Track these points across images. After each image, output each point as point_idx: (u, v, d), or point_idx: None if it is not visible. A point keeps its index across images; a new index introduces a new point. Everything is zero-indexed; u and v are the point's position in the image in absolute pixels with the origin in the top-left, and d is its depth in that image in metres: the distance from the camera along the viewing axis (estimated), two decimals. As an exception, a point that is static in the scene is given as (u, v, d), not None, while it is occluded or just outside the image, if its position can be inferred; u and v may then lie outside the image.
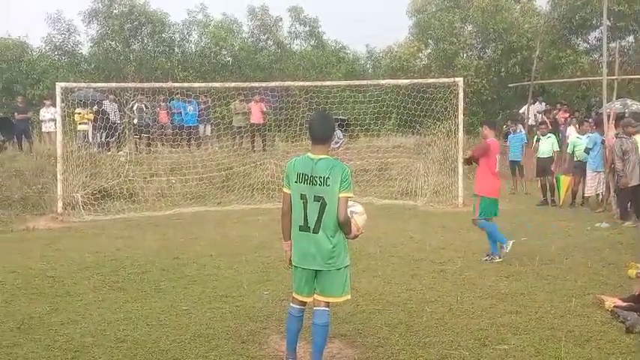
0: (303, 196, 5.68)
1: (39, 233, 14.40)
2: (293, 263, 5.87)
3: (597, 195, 16.52)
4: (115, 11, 34.52)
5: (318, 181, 5.63)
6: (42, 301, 8.46)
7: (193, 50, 36.64)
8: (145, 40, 35.82)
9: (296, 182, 5.73)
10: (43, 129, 23.34)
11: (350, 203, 5.86)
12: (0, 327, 7.33)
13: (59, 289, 9.08)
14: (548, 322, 7.21)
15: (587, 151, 16.36)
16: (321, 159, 5.70)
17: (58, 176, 16.59)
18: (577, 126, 20.30)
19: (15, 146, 22.74)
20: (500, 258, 10.38)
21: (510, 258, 10.48)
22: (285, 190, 5.88)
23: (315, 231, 5.67)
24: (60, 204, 16.40)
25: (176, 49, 36.42)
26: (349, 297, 5.97)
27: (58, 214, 16.19)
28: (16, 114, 23.82)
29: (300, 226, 5.74)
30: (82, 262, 10.85)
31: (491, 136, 10.64)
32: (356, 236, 5.93)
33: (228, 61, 36.47)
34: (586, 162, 16.57)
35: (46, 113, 23.02)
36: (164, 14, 35.60)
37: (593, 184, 16.37)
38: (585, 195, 16.80)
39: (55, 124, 18.14)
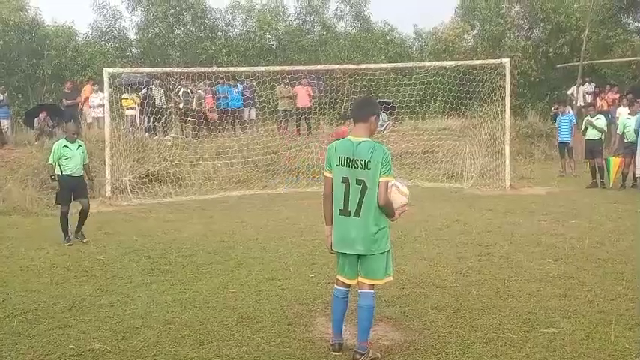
0: (344, 180, 5.65)
1: (88, 217, 14.64)
2: (333, 247, 5.87)
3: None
4: None
5: (360, 165, 5.59)
6: (92, 283, 8.63)
7: (237, 34, 36.75)
8: (188, 26, 36.09)
9: (338, 166, 5.69)
10: (92, 114, 23.66)
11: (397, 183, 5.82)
12: (52, 308, 7.49)
13: (109, 272, 9.24)
14: (598, 306, 7.09)
15: (636, 132, 16.01)
16: (361, 142, 5.66)
17: (107, 161, 16.84)
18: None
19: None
20: None
21: (559, 241, 10.35)
22: (327, 173, 5.84)
23: (356, 215, 5.64)
24: (109, 188, 16.66)
25: (220, 34, 36.57)
26: (391, 278, 5.93)
27: (107, 198, 16.45)
28: (64, 100, 24.20)
29: (340, 210, 5.72)
30: (131, 245, 11.02)
31: None
32: (399, 215, 5.83)
33: (273, 45, 36.51)
34: (636, 143, 16.25)
35: (94, 99, 23.33)
36: (202, 0, 35.85)
37: None
38: (636, 176, 16.38)
39: (103, 109, 18.38)
